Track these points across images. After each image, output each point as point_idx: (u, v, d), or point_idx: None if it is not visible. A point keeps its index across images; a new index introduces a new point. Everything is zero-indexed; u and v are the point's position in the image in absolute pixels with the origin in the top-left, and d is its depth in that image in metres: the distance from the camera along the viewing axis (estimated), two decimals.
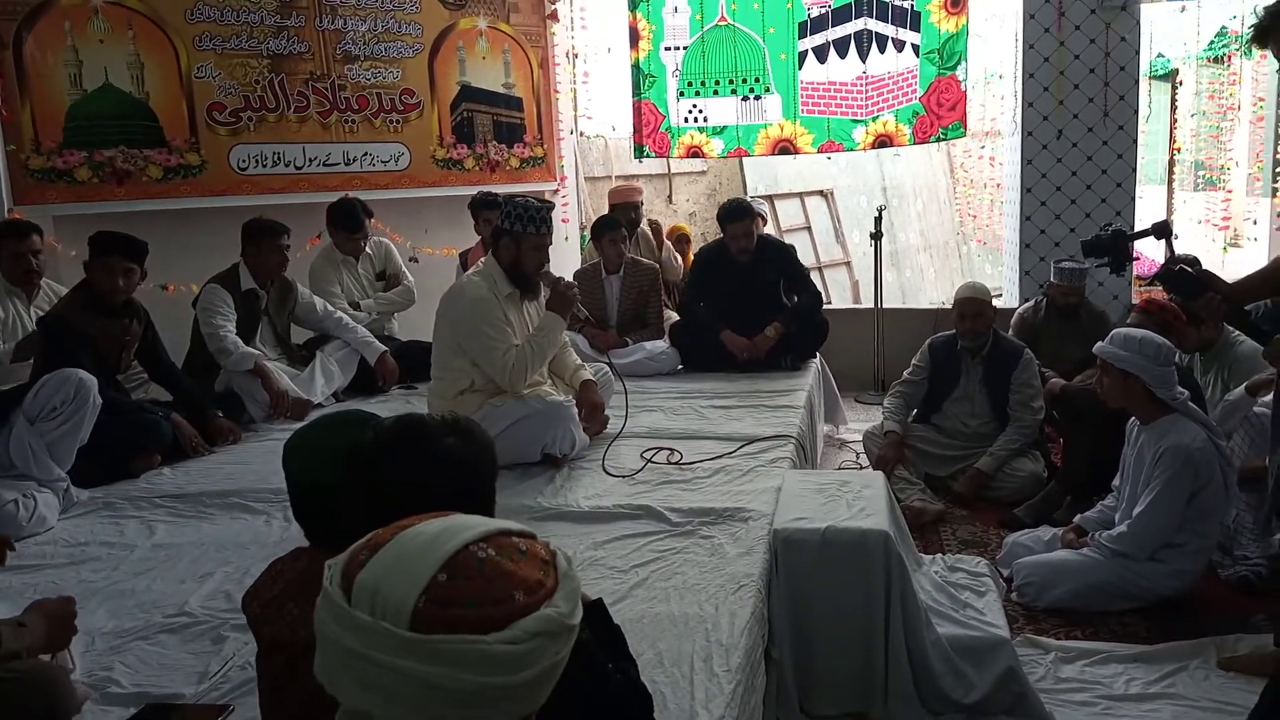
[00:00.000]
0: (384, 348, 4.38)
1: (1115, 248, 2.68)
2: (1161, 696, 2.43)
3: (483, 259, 3.43)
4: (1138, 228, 2.84)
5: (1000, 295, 5.88)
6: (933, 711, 2.32)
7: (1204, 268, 2.71)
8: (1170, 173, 6.38)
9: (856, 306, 7.07)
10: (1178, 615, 2.83)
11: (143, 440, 3.38)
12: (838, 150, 6.05)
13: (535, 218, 3.23)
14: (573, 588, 0.84)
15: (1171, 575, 2.87)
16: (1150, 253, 6.12)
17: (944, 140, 6.22)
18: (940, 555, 2.95)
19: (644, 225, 5.69)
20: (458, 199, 5.36)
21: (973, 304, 3.96)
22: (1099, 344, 3.02)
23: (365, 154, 5.40)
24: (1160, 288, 3.15)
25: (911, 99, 5.71)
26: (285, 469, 1.43)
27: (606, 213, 5.43)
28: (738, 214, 4.61)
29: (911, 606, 2.36)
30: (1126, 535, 2.88)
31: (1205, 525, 2.89)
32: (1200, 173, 7.11)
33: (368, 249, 4.78)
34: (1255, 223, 6.76)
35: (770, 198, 7.95)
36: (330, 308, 4.37)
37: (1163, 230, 2.75)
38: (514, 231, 3.25)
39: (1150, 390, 2.89)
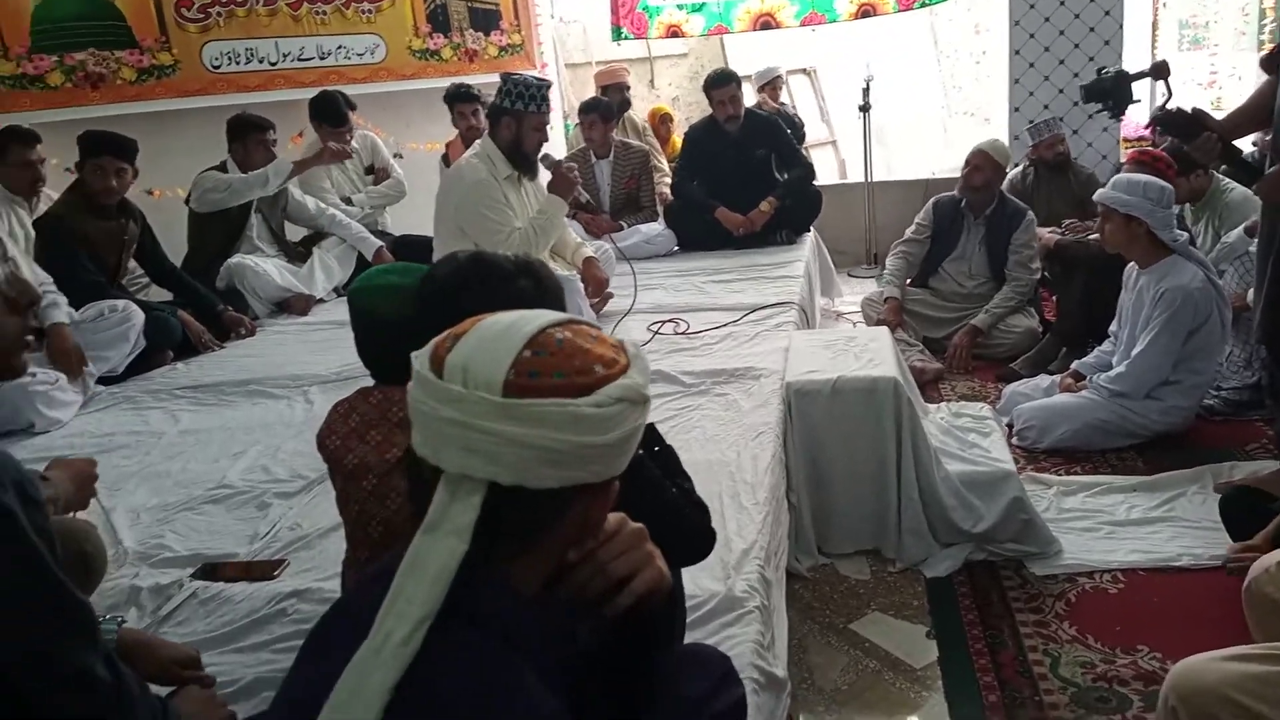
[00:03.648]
0: (380, 242, 4.36)
1: (1116, 89, 2.68)
2: (1162, 520, 2.54)
3: (479, 141, 3.40)
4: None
5: None
6: (943, 543, 2.44)
7: (1197, 107, 2.72)
8: (1154, 32, 6.30)
9: (845, 182, 7.04)
10: (1173, 449, 2.94)
11: (153, 338, 3.38)
12: (820, 22, 5.94)
13: (536, 95, 3.19)
14: (644, 366, 0.89)
15: (1167, 412, 2.97)
16: (1138, 116, 6.09)
17: (928, 6, 6.10)
18: (944, 404, 3.04)
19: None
20: (438, 91, 5.22)
21: (980, 155, 3.95)
22: (1100, 190, 3.05)
23: (340, 46, 5.26)
24: (1155, 132, 3.17)
25: None
26: (352, 309, 1.46)
27: (593, 95, 5.34)
28: (723, 80, 4.56)
29: (922, 446, 2.46)
30: (1125, 375, 2.97)
31: (1201, 363, 2.97)
32: (1184, 31, 7.04)
33: (353, 143, 4.70)
34: (1240, 79, 6.74)
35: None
36: (322, 205, 4.33)
37: (1162, 70, 2.75)
38: (514, 110, 3.21)
39: (1152, 233, 2.93)
